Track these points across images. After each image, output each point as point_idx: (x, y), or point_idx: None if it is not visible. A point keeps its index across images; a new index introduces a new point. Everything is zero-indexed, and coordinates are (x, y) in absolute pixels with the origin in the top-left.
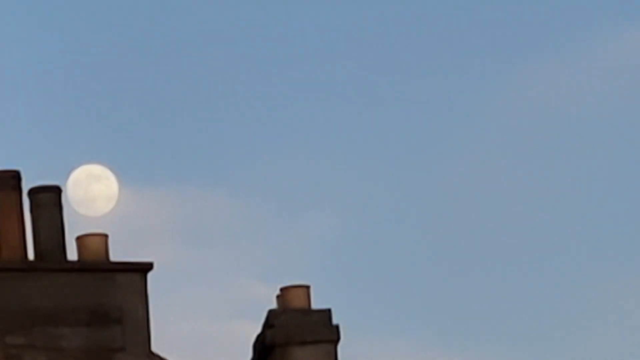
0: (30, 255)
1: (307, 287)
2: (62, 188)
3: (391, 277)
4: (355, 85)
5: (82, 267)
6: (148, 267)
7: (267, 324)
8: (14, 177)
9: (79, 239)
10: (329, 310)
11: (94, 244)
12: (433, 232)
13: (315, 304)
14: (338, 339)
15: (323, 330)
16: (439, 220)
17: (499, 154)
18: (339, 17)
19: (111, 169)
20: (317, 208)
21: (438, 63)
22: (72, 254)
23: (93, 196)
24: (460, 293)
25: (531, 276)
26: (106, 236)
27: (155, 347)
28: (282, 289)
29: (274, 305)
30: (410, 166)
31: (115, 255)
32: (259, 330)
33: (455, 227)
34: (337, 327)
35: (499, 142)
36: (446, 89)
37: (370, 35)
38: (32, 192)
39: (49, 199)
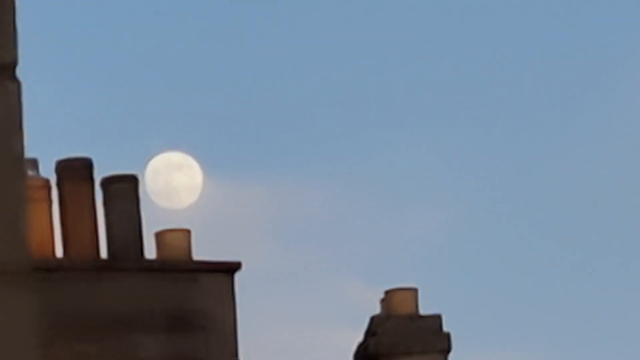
0: (103, 253)
1: (415, 290)
2: (140, 178)
3: (508, 280)
4: (467, 75)
5: (162, 266)
6: (235, 267)
7: (370, 332)
8: (85, 166)
9: (158, 235)
10: (439, 317)
11: (175, 240)
12: (554, 231)
13: (424, 309)
14: (449, 348)
15: (432, 338)
16: (559, 219)
17: (622, 153)
18: (450, 8)
19: (194, 157)
20: (428, 204)
21: (556, 56)
22: (150, 252)
23: (174, 187)
24: (585, 299)
25: None
26: (189, 232)
27: (242, 357)
28: (386, 292)
29: (377, 310)
30: (530, 159)
31: (198, 254)
32: (360, 338)
33: (577, 227)
34: (448, 335)
35: (623, 140)
36: (567, 83)
37: (480, 27)
38: (106, 182)
39: (125, 190)
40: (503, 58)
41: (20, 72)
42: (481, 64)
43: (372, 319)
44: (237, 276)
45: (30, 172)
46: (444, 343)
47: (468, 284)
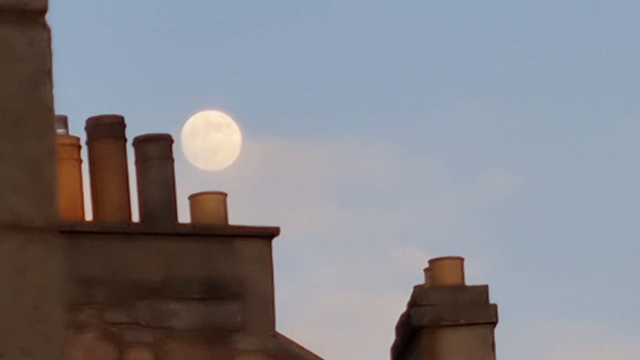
0: (135, 217)
1: (461, 260)
2: (175, 138)
3: (564, 252)
4: (540, 32)
5: (196, 231)
6: (274, 232)
7: (413, 303)
8: (117, 124)
9: (192, 198)
10: (486, 287)
11: (211, 204)
12: (625, 201)
13: (470, 280)
14: (496, 321)
15: (478, 310)
16: (631, 195)
17: None
18: None
19: (233, 116)
20: (494, 168)
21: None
22: (184, 216)
23: (211, 148)
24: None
25: None
26: (225, 195)
27: (280, 327)
28: (431, 262)
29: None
30: (608, 121)
31: (235, 218)
32: (404, 309)
33: None
34: (494, 307)
35: None
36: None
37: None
38: (139, 141)
39: (159, 151)
40: (569, 20)
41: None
42: (553, 17)
43: (416, 289)
44: (276, 242)
45: (58, 130)
46: (491, 315)
47: (520, 254)
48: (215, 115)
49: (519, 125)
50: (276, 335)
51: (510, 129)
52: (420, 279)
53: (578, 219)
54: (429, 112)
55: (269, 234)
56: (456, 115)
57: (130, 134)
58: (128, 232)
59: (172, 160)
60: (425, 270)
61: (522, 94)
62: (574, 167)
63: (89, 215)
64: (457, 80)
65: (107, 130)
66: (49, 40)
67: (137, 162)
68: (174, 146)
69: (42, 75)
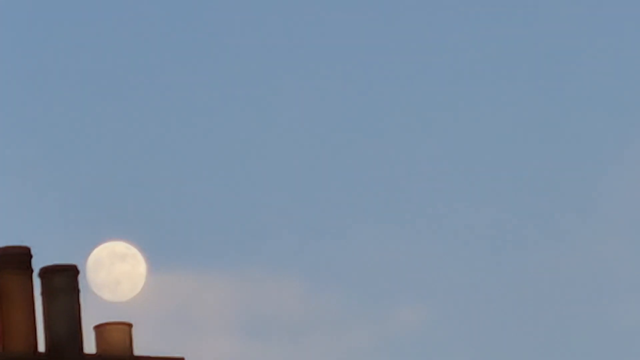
0: (41, 347)
1: None
2: (80, 268)
3: None
4: (450, 172)
5: None
6: None
7: None
8: (24, 255)
9: (98, 328)
10: None
11: (116, 334)
12: (535, 337)
13: None
14: None
15: None
16: (550, 319)
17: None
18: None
19: (138, 247)
20: (406, 301)
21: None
22: (89, 347)
23: (116, 278)
24: None
25: None
26: (130, 325)
27: None
28: None
29: None
30: (522, 252)
31: (140, 349)
32: None
33: (569, 332)
34: None
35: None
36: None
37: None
38: (45, 273)
39: (65, 282)
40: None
41: None
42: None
43: None
44: None
45: None
46: None
47: None
48: (120, 246)
49: (426, 258)
50: None
51: (419, 263)
52: None
53: (485, 353)
54: (337, 245)
55: None
56: (364, 250)
57: (37, 263)
58: None
59: (78, 291)
60: None
61: (430, 230)
62: (482, 300)
63: None
64: (365, 216)
65: (13, 261)
66: None
67: (43, 292)
68: (79, 277)
69: None
